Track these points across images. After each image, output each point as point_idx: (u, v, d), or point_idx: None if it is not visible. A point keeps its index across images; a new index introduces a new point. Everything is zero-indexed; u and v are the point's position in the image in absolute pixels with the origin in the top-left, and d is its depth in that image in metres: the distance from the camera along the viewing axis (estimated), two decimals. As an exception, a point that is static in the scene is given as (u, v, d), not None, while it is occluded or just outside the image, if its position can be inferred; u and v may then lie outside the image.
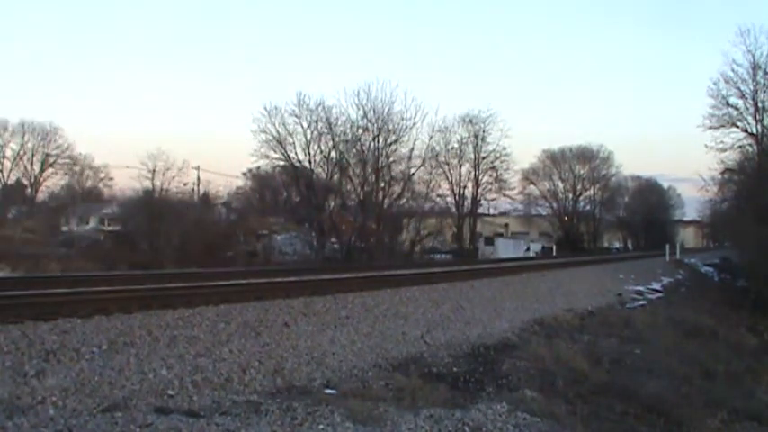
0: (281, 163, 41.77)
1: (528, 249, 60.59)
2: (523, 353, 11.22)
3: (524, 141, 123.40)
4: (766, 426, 9.76)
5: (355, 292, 14.77)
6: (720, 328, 19.15)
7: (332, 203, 42.93)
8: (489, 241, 61.43)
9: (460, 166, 54.64)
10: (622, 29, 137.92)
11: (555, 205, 73.15)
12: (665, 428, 8.39)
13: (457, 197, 54.84)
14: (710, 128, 40.18)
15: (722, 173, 41.37)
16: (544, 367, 10.31)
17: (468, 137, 54.16)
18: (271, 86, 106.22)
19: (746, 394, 11.45)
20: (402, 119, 40.89)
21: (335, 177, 42.32)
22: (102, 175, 66.90)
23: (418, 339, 11.40)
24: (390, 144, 41.15)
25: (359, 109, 40.46)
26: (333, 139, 40.57)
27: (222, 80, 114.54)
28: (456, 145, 53.07)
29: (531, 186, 71.36)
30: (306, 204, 42.81)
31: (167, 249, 36.33)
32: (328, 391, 7.78)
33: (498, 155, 54.80)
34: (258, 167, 50.18)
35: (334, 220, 41.11)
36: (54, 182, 64.05)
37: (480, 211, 59.02)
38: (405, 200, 42.57)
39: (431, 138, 44.72)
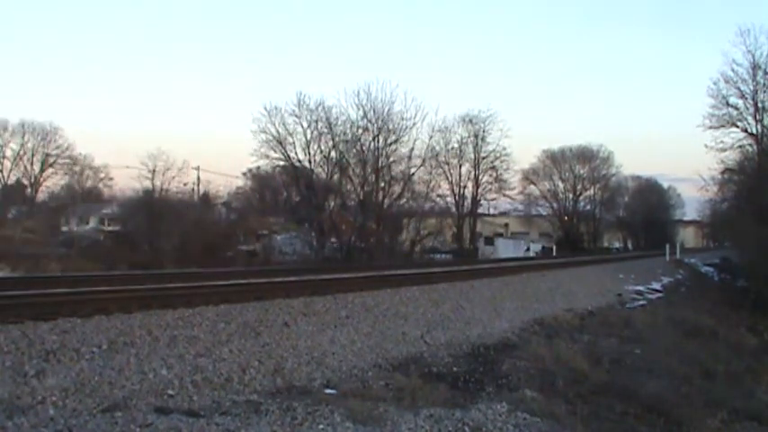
0: (281, 163, 41.80)
1: (528, 249, 60.51)
2: (523, 353, 11.23)
3: (524, 141, 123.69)
4: (766, 426, 9.76)
5: (355, 292, 14.74)
6: (720, 328, 19.14)
7: (332, 203, 42.87)
8: (489, 241, 61.39)
9: (460, 166, 54.74)
10: (622, 29, 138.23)
11: (555, 205, 73.11)
12: (665, 428, 8.39)
13: (457, 197, 54.93)
14: (710, 128, 40.24)
15: (722, 173, 41.41)
16: (544, 367, 10.31)
17: (468, 137, 54.26)
18: (271, 86, 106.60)
19: (746, 394, 11.45)
20: (402, 119, 40.90)
21: (335, 177, 42.27)
22: (102, 175, 66.98)
23: (418, 339, 11.40)
24: (390, 144, 41.15)
25: (359, 109, 40.48)
26: (333, 139, 40.58)
27: (222, 80, 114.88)
28: (456, 145, 53.18)
29: (531, 186, 71.44)
30: (306, 204, 42.77)
31: (167, 249, 36.38)
32: (328, 391, 7.78)
33: (498, 155, 54.92)
34: (258, 167, 50.36)
35: (334, 220, 41.06)
36: (54, 182, 64.11)
37: (480, 211, 59.07)
38: (405, 200, 42.49)
39: (431, 138, 44.74)
